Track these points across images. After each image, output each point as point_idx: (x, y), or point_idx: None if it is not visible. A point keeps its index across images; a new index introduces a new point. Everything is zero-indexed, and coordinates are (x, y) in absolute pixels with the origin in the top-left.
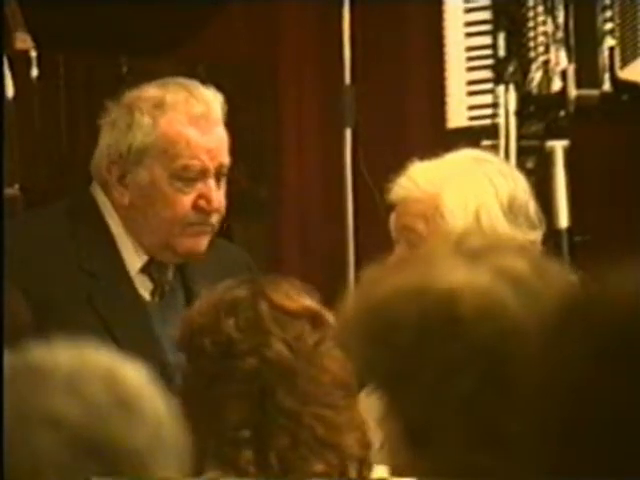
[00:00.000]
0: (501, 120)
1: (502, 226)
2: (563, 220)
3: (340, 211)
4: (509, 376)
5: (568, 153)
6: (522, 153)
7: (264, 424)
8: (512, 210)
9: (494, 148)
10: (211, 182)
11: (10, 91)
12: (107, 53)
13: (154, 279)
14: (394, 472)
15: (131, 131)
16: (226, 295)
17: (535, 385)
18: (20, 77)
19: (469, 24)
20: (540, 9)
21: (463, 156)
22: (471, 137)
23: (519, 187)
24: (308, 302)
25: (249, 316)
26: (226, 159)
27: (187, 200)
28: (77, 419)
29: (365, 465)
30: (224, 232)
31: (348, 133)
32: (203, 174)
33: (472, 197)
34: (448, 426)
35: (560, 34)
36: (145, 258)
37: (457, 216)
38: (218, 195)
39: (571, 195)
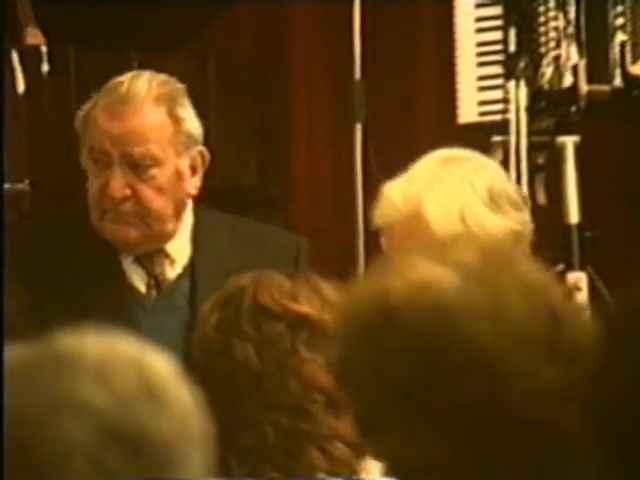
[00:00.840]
0: (512, 116)
1: (487, 218)
2: (574, 216)
3: (350, 207)
4: (443, 360)
5: (579, 149)
6: (533, 149)
7: (228, 426)
8: (493, 200)
9: (504, 144)
10: (116, 170)
11: (21, 86)
12: (118, 48)
13: (146, 269)
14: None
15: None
16: (225, 289)
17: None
18: (30, 72)
19: (480, 19)
20: (551, 4)
21: (433, 162)
22: (481, 133)
23: (495, 176)
24: (293, 304)
25: (230, 315)
26: (141, 147)
27: (97, 184)
28: (106, 408)
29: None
30: None
31: (358, 129)
32: (108, 159)
33: (452, 202)
34: (396, 416)
35: (571, 29)
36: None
37: (442, 225)
38: (127, 185)
39: (581, 191)
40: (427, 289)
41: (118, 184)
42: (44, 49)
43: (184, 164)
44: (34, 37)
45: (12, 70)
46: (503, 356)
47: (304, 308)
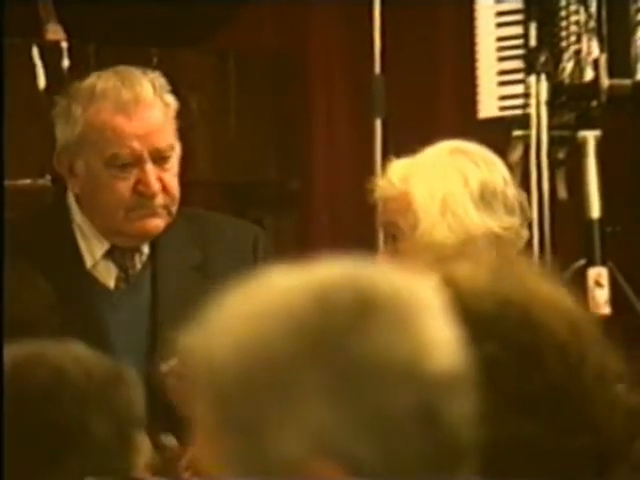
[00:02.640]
0: (532, 110)
1: (470, 213)
2: (595, 211)
3: (370, 202)
4: (527, 343)
5: (600, 143)
6: (553, 143)
7: None
8: (484, 197)
9: (525, 139)
10: (148, 167)
11: (41, 82)
12: (137, 44)
13: (119, 265)
14: None
15: (68, 123)
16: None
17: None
18: (51, 68)
19: (500, 14)
20: None
21: (439, 149)
22: (502, 127)
23: (495, 174)
24: None
25: None
26: (165, 141)
27: (125, 186)
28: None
29: None
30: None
31: (378, 123)
32: (137, 160)
33: (438, 188)
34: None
35: (592, 23)
36: (107, 244)
37: (426, 208)
38: (158, 179)
39: (603, 186)
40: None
41: (153, 178)
42: (65, 45)
43: (179, 149)
44: (55, 33)
45: (33, 66)
46: (581, 348)
47: None
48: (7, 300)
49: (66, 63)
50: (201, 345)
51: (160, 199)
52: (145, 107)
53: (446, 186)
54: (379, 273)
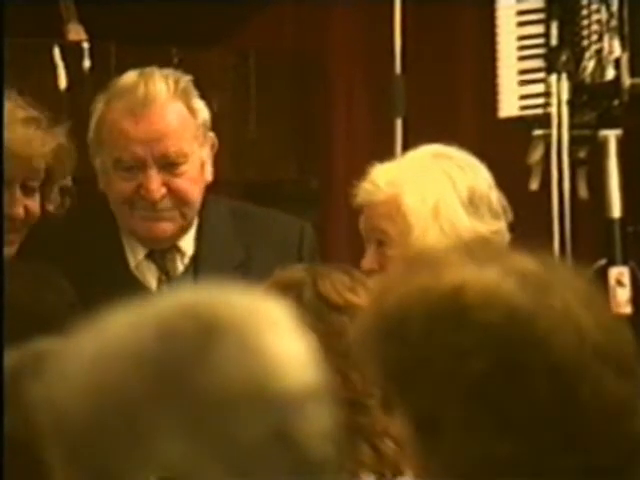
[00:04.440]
0: (553, 109)
1: (461, 218)
2: (616, 210)
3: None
4: (518, 361)
5: (621, 143)
6: (574, 143)
7: None
8: (473, 202)
9: (546, 138)
10: (151, 172)
11: (63, 82)
12: (158, 44)
13: (160, 266)
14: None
15: (91, 119)
16: (276, 281)
17: (542, 370)
18: (72, 68)
19: (521, 13)
20: None
21: (422, 153)
22: (523, 127)
23: (479, 179)
24: (354, 297)
25: (289, 306)
26: (174, 146)
27: (129, 186)
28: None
29: None
30: None
31: (399, 123)
32: (140, 164)
33: (430, 193)
34: (459, 413)
35: (614, 22)
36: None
37: (417, 212)
38: (164, 184)
39: (624, 185)
40: (497, 289)
41: (155, 185)
42: (86, 45)
43: (205, 153)
44: (76, 33)
45: (54, 66)
46: (579, 367)
47: (365, 301)
48: (30, 297)
49: (87, 63)
50: (44, 395)
51: (165, 203)
52: (156, 111)
53: (437, 190)
54: (220, 298)
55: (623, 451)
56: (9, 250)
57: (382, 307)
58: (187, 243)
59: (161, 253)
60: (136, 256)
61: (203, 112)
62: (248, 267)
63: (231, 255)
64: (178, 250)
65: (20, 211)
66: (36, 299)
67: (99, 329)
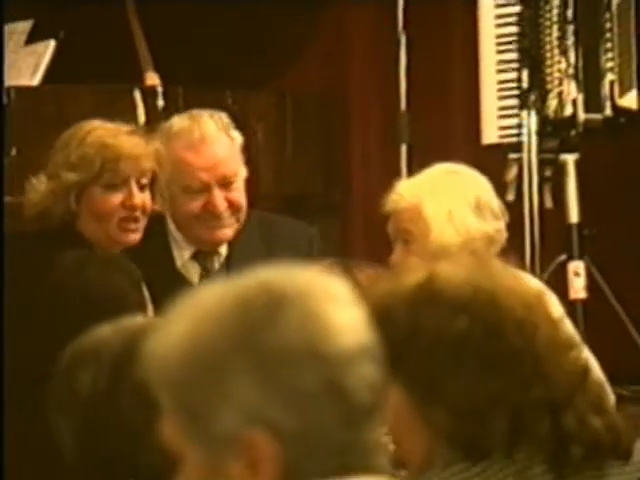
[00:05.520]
0: (525, 138)
1: (471, 220)
2: (574, 217)
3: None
4: (490, 320)
5: (578, 164)
6: (541, 164)
7: None
8: (479, 207)
9: (519, 160)
10: (215, 192)
11: (141, 118)
12: (216, 87)
13: (202, 265)
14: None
15: (155, 155)
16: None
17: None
18: (149, 107)
19: (500, 62)
20: (556, 51)
21: (437, 170)
22: (501, 152)
23: (484, 189)
24: None
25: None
26: (228, 169)
27: (197, 205)
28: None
29: None
30: None
31: (404, 149)
32: (206, 187)
33: (444, 201)
34: (450, 365)
35: (571, 70)
36: (192, 249)
37: (435, 217)
38: (225, 199)
39: (580, 197)
40: (460, 276)
41: (220, 201)
42: (159, 89)
43: (244, 172)
44: (152, 79)
45: (135, 105)
46: (534, 321)
47: None
48: (102, 279)
49: (161, 103)
50: (153, 346)
51: (227, 213)
52: (210, 144)
53: (450, 199)
54: (288, 275)
55: (572, 382)
56: (133, 237)
57: (368, 302)
58: (223, 246)
59: (203, 254)
60: (182, 257)
61: (239, 139)
62: (270, 263)
63: (256, 255)
64: (216, 252)
65: (139, 201)
66: (107, 281)
67: (193, 301)
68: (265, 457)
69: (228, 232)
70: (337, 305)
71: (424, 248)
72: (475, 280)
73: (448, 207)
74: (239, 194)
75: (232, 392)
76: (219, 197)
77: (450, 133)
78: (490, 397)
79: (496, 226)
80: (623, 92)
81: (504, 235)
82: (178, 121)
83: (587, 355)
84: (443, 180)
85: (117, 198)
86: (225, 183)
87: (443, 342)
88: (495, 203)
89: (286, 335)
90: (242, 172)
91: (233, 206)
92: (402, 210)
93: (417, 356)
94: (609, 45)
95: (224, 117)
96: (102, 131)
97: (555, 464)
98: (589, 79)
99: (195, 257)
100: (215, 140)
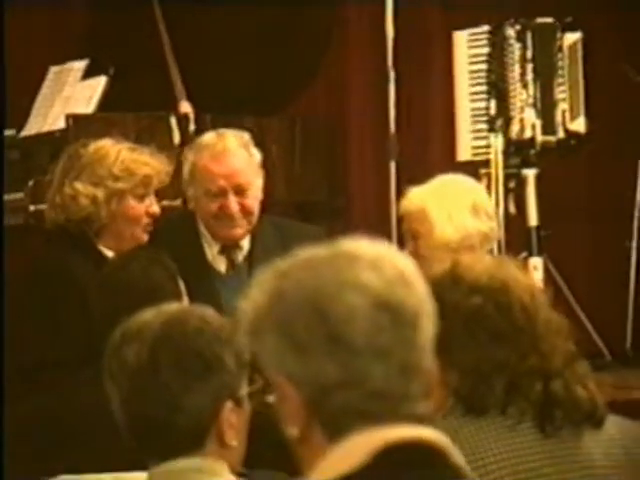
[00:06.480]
0: (492, 156)
1: (468, 220)
2: (533, 220)
3: (388, 215)
4: (500, 299)
5: (537, 178)
6: (507, 178)
7: None
8: (475, 209)
9: (488, 175)
10: (230, 197)
11: (177, 140)
12: (238, 114)
13: (228, 258)
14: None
15: (185, 164)
16: None
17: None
18: (183, 131)
19: (472, 93)
20: (518, 85)
21: (439, 180)
22: (473, 167)
23: (479, 194)
24: None
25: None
26: (243, 179)
27: (215, 206)
28: (377, 286)
29: None
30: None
31: (393, 164)
32: (223, 192)
33: (446, 205)
34: (464, 335)
35: (531, 100)
36: (219, 245)
37: (438, 218)
38: (238, 203)
39: (539, 204)
40: (479, 264)
41: (233, 205)
42: (192, 116)
43: (260, 182)
44: (185, 107)
45: (170, 130)
46: (535, 304)
47: None
48: (141, 273)
49: (192, 127)
50: (249, 298)
51: (239, 216)
52: (230, 156)
53: (450, 203)
54: (361, 245)
55: (564, 359)
56: (146, 238)
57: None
58: (245, 243)
59: (229, 249)
60: (212, 251)
61: (257, 156)
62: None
63: (273, 251)
64: (240, 247)
65: (158, 210)
66: (148, 274)
67: (277, 266)
68: None
69: (240, 231)
70: (402, 275)
71: (429, 244)
72: (491, 270)
73: (449, 210)
74: (251, 201)
75: (293, 331)
76: (233, 201)
77: (430, 152)
78: (494, 363)
79: (490, 225)
80: (573, 118)
81: (496, 233)
82: (207, 136)
83: None
84: (445, 187)
85: (144, 206)
86: (240, 190)
87: (460, 314)
88: (489, 206)
89: (348, 297)
90: (257, 183)
91: (245, 210)
92: (411, 212)
93: (438, 325)
94: (561, 80)
95: (246, 135)
96: (131, 150)
97: (541, 422)
98: (545, 107)
99: (222, 251)
100: (234, 153)
